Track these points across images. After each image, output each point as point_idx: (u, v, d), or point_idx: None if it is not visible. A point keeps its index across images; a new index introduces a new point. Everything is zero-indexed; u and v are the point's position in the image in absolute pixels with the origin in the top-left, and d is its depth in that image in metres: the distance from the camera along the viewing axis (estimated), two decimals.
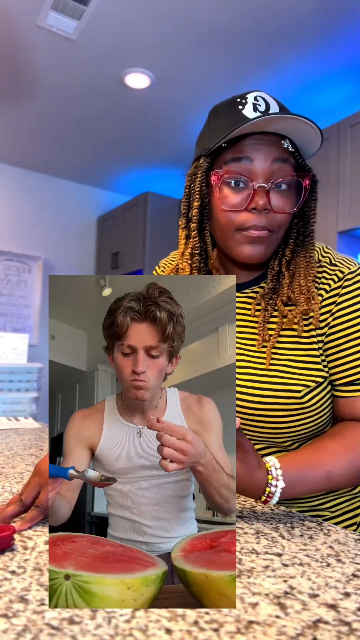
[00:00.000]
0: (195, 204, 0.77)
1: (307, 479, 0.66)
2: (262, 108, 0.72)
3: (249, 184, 0.71)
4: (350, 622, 0.38)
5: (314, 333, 0.75)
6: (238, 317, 0.81)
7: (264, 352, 0.76)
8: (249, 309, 0.80)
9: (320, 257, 0.79)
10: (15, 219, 4.06)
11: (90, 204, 4.46)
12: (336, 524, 0.79)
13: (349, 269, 0.76)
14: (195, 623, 0.37)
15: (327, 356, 0.75)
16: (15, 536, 0.53)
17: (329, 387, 0.76)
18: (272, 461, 0.64)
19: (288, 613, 0.39)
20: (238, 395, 0.76)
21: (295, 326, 0.75)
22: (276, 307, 0.77)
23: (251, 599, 0.41)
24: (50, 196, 4.24)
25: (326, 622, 0.37)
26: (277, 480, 0.62)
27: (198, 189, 0.76)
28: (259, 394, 0.74)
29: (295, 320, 0.74)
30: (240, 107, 0.73)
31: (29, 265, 4.10)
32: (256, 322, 0.79)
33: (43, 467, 0.62)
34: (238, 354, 0.79)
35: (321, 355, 0.75)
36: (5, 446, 1.07)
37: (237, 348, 0.80)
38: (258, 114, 0.71)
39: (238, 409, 0.76)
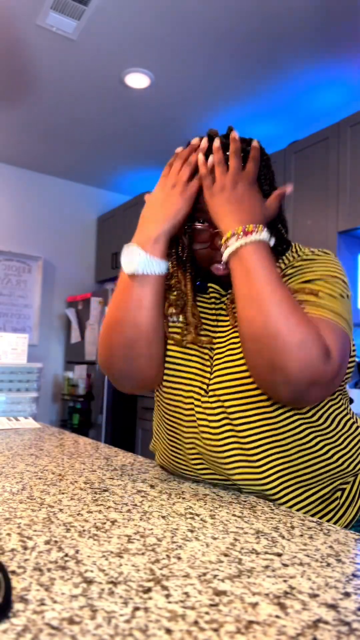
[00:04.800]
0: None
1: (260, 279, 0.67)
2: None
3: (208, 229, 0.78)
4: (350, 622, 0.38)
5: None
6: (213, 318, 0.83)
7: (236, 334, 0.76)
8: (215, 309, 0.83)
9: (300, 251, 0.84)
10: (15, 219, 4.06)
11: (90, 204, 4.46)
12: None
13: (322, 253, 0.81)
14: (195, 623, 0.37)
15: None
16: (15, 536, 0.53)
17: None
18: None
19: (288, 613, 0.39)
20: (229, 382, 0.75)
21: None
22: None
23: (251, 599, 0.41)
24: (50, 196, 4.24)
25: (326, 622, 0.37)
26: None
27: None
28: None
29: None
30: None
31: (29, 265, 4.11)
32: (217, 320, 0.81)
33: None
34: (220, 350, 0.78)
35: None
36: (5, 446, 1.07)
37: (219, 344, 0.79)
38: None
39: (231, 389, 0.74)
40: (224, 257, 0.70)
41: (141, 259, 0.73)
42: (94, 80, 2.79)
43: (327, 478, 0.76)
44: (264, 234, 0.69)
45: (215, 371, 0.76)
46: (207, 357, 0.79)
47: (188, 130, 3.32)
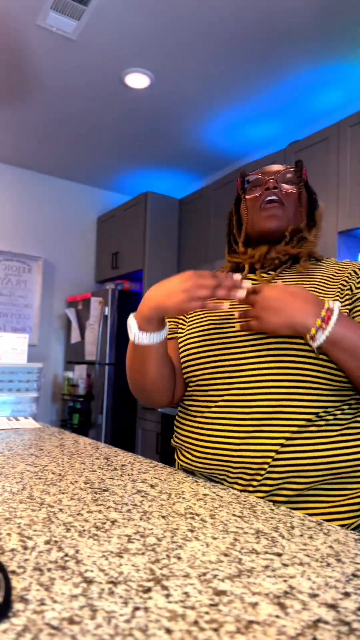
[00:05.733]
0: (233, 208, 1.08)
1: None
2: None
3: (262, 182, 1.01)
4: (350, 622, 0.38)
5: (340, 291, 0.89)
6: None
7: None
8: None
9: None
10: (15, 219, 4.06)
11: (90, 204, 4.46)
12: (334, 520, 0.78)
13: None
14: (195, 623, 0.37)
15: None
16: (15, 536, 0.53)
17: None
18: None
19: (288, 613, 0.39)
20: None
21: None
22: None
23: (251, 599, 0.41)
24: (50, 196, 4.24)
25: (326, 622, 0.37)
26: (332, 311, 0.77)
27: (234, 208, 1.08)
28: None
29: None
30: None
31: (29, 265, 4.11)
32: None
33: None
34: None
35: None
36: (5, 446, 1.07)
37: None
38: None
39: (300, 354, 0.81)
40: (315, 349, 0.79)
41: (135, 333, 0.84)
42: (94, 81, 2.79)
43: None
44: (335, 309, 0.77)
45: (244, 341, 0.86)
46: (223, 326, 0.90)
47: (188, 130, 3.32)
